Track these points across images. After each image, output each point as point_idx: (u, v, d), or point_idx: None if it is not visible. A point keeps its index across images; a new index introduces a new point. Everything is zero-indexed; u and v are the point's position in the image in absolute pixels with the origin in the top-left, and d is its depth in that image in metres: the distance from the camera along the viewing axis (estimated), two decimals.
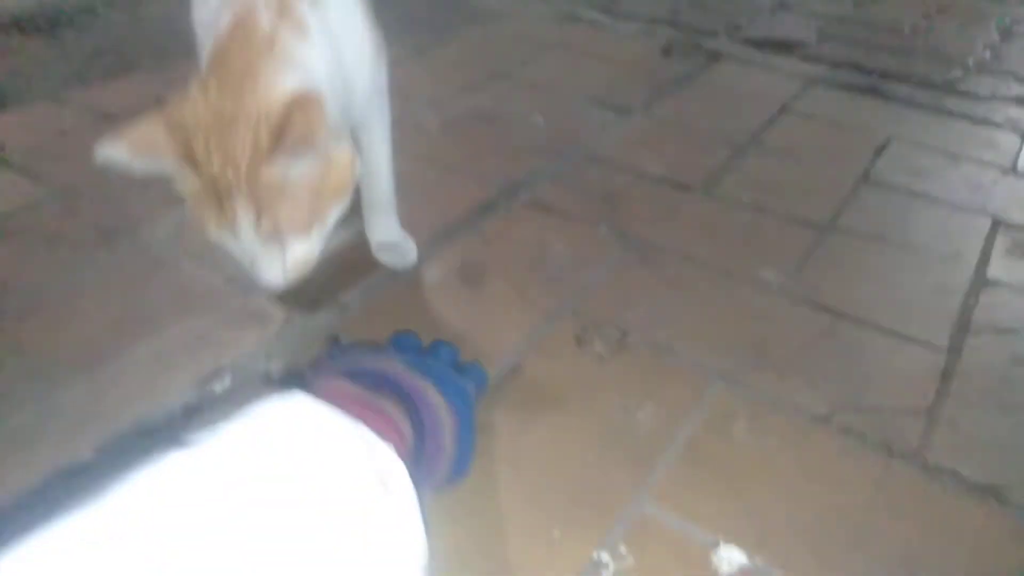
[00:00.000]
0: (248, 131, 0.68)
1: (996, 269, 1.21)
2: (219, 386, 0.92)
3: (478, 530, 0.77)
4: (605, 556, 0.75)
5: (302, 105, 0.69)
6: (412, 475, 0.53)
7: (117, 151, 0.66)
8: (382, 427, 0.55)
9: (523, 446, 0.86)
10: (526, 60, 1.91)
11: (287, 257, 0.76)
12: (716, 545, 0.77)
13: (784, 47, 2.04)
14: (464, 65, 1.87)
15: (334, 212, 0.78)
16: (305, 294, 1.07)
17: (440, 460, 0.69)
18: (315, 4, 0.80)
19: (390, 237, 1.15)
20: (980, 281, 1.18)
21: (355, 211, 1.16)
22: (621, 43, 2.06)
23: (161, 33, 2.07)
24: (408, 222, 1.16)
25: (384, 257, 1.14)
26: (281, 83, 0.71)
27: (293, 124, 0.68)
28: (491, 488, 0.81)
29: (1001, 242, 1.27)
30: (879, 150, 1.54)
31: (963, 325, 1.08)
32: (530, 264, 1.17)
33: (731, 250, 1.21)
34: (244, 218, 0.70)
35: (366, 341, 0.84)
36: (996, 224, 1.32)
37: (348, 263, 1.14)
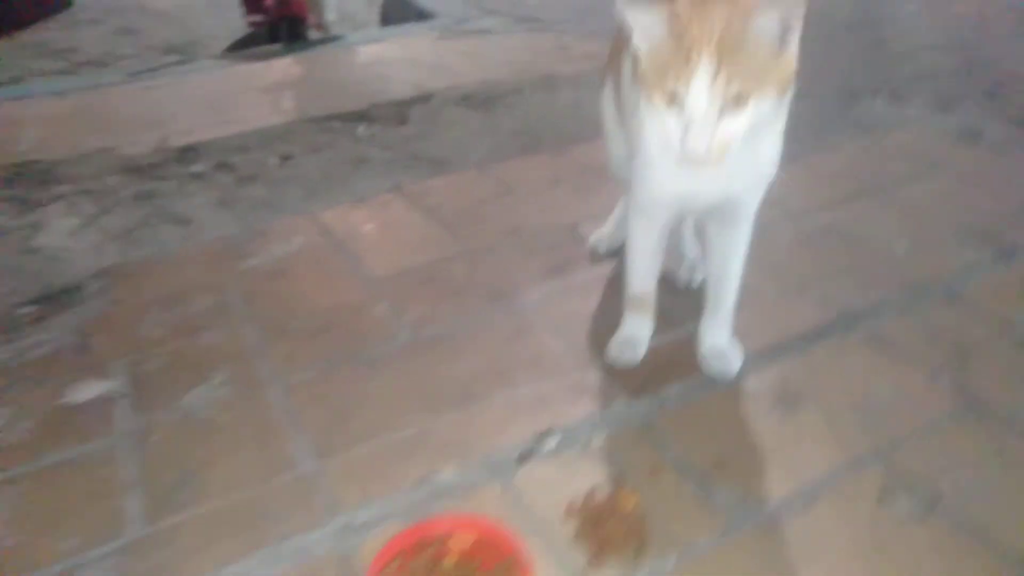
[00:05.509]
0: (725, 10, 0.88)
1: None
2: (548, 444, 1.13)
3: None
4: None
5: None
6: None
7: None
8: None
9: None
10: (905, 179, 1.85)
11: (717, 130, 0.90)
12: None
13: None
14: (836, 177, 1.88)
15: (769, 100, 0.91)
16: (634, 379, 1.24)
17: None
18: None
19: (720, 342, 1.26)
20: None
21: (689, 313, 1.30)
22: None
23: (566, 119, 2.46)
24: (738, 331, 1.26)
25: (708, 363, 1.26)
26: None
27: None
28: None
29: None
30: None
31: None
32: (850, 401, 1.18)
33: None
34: (704, 70, 0.87)
35: None
36: None
37: (674, 361, 1.28)
